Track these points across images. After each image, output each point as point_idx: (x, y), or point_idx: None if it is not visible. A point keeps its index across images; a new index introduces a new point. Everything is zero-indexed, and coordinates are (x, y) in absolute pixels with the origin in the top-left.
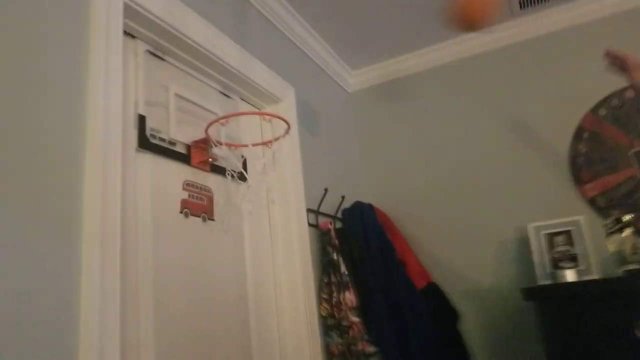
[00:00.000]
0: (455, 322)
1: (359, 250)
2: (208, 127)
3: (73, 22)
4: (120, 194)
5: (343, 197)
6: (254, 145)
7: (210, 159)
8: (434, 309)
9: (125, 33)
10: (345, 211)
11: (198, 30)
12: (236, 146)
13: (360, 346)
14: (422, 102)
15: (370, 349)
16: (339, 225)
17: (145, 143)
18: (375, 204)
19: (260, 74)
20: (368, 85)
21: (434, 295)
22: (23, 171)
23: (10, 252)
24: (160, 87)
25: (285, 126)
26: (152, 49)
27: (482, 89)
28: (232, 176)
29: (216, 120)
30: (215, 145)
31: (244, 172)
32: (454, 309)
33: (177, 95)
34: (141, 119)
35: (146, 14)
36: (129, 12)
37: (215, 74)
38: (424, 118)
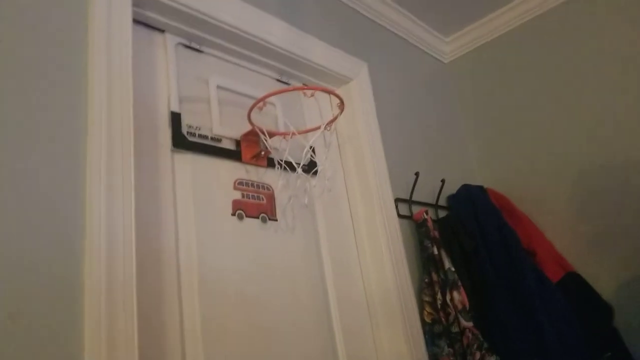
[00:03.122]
0: (608, 318)
1: (471, 241)
2: (249, 114)
3: (69, 19)
4: (134, 206)
5: (443, 181)
6: (300, 132)
7: (262, 153)
8: (577, 304)
9: (150, 27)
10: (451, 198)
11: (235, 13)
12: (283, 135)
13: (477, 356)
14: (543, 56)
15: (491, 358)
16: (442, 214)
17: (182, 142)
18: (489, 186)
19: (321, 54)
20: (468, 49)
21: (576, 287)
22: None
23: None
24: (200, 81)
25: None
26: (185, 41)
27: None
28: (293, 169)
29: (253, 106)
30: (262, 135)
31: (294, 164)
32: (604, 302)
33: (220, 87)
34: (174, 117)
35: (165, 1)
36: (143, 1)
37: (265, 60)
38: (549, 76)
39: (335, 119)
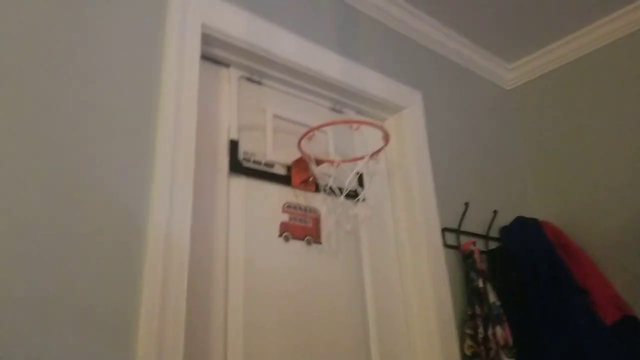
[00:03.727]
0: None
1: (520, 275)
2: (299, 143)
3: (146, 52)
4: (190, 223)
5: (495, 212)
6: (345, 161)
7: (311, 179)
8: (632, 349)
9: (217, 62)
10: (504, 229)
11: (291, 48)
12: (329, 162)
13: None
14: (609, 86)
15: None
16: (494, 245)
17: (237, 167)
18: (546, 219)
19: (374, 84)
20: (533, 77)
21: (632, 331)
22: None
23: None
24: (258, 111)
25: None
26: (247, 75)
27: None
28: (344, 195)
29: (303, 136)
30: (310, 162)
31: (339, 191)
32: None
33: (276, 116)
34: (233, 144)
35: (228, 39)
36: (210, 39)
37: (320, 91)
38: (616, 106)
39: (379, 150)
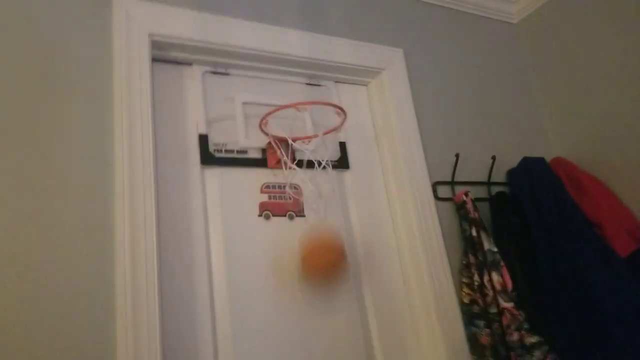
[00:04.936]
0: None
1: (523, 217)
2: (260, 127)
3: (97, 72)
4: (156, 219)
5: (494, 158)
6: (296, 139)
7: (284, 158)
8: None
9: (178, 63)
10: (510, 172)
11: (248, 35)
12: (284, 139)
13: (516, 336)
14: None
15: (532, 339)
16: (498, 190)
17: (209, 159)
18: (566, 155)
19: (345, 52)
20: (541, 3)
21: None
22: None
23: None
24: (227, 101)
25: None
26: (212, 69)
27: None
28: (324, 166)
29: (261, 121)
30: (274, 144)
31: (311, 162)
32: None
33: (245, 103)
34: (202, 138)
35: (180, 41)
36: (162, 45)
37: (291, 69)
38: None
39: (334, 129)
